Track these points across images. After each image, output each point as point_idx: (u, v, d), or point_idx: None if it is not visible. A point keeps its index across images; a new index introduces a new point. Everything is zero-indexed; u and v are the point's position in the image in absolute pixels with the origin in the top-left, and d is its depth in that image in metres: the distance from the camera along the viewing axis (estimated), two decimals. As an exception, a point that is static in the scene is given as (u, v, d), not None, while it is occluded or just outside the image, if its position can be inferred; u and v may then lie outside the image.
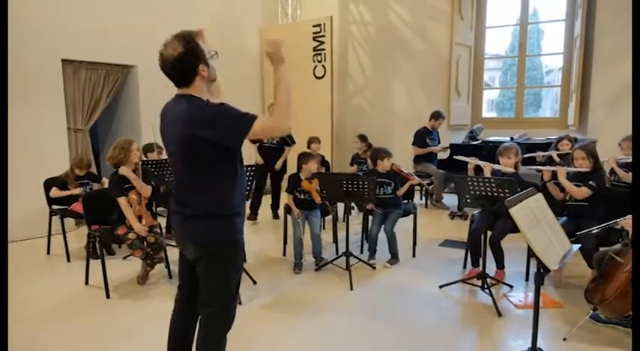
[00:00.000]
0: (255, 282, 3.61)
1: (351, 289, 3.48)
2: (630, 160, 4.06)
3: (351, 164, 5.95)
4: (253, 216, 5.59)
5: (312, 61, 7.13)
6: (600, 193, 3.35)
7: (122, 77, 5.95)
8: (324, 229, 4.95)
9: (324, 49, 7.00)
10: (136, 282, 3.62)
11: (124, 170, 3.45)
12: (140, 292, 3.50)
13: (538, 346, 2.25)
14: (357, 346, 2.68)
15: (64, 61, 5.20)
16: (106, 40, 5.51)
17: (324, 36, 6.97)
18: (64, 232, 4.28)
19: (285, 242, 4.37)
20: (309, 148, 5.38)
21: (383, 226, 4.05)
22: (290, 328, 2.91)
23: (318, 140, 5.59)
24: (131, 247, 3.42)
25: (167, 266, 3.76)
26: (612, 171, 4.17)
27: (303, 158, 4.08)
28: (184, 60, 1.72)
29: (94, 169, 5.70)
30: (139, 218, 3.46)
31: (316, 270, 3.89)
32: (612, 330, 2.77)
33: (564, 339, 2.67)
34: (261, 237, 4.99)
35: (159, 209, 4.41)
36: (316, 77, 7.14)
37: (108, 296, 3.37)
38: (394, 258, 4.06)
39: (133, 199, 3.47)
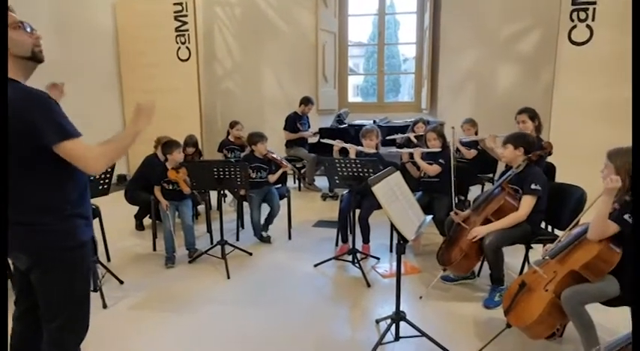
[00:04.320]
0: (121, 282, 3.33)
1: (228, 277, 3.43)
2: (470, 139, 4.67)
3: (219, 150, 5.73)
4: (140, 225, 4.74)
5: (174, 43, 6.69)
6: (448, 169, 3.79)
7: None
8: (196, 219, 4.77)
9: (187, 30, 6.63)
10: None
11: None
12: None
13: (401, 309, 2.47)
14: (237, 334, 2.66)
15: None
16: None
17: (186, 16, 6.58)
18: None
19: (155, 236, 4.10)
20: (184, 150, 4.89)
21: (268, 204, 4.16)
22: (164, 325, 2.76)
23: (192, 143, 4.94)
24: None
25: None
26: (457, 149, 4.74)
27: (167, 148, 3.85)
28: None
29: None
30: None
31: (190, 262, 3.74)
32: (460, 287, 3.20)
33: (420, 297, 3.00)
34: (127, 233, 4.61)
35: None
36: (180, 60, 6.73)
37: None
38: (266, 227, 4.26)
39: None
